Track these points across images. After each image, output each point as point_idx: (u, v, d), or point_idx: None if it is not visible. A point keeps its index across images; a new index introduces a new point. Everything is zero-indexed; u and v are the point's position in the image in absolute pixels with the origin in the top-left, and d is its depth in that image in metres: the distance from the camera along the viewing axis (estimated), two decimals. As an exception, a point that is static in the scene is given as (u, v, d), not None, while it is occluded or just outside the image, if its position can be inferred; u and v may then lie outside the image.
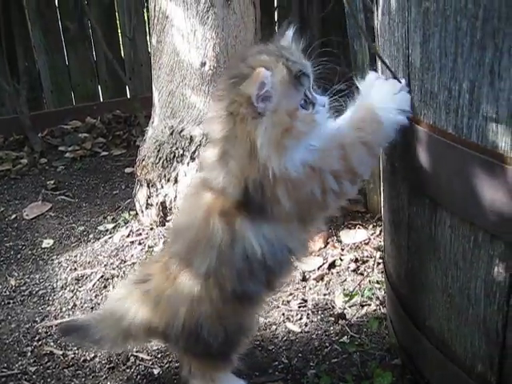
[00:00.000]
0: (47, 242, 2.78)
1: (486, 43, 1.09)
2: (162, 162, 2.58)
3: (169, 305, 1.56)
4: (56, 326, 2.17)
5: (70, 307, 2.28)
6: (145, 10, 4.33)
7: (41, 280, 2.48)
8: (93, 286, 2.40)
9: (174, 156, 2.55)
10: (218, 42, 2.44)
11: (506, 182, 1.11)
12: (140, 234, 2.71)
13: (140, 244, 2.63)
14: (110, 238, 2.75)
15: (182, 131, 2.55)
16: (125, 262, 2.53)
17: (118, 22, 4.34)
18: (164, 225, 2.67)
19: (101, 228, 2.86)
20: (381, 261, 2.24)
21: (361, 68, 2.64)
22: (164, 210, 2.63)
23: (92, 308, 2.27)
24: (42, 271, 2.55)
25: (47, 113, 4.26)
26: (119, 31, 4.37)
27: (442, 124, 1.25)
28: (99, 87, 4.43)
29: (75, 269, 2.55)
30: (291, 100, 1.34)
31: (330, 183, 1.37)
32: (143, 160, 2.65)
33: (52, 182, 3.42)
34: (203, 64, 2.46)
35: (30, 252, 2.71)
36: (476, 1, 1.08)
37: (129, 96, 4.33)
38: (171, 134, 2.56)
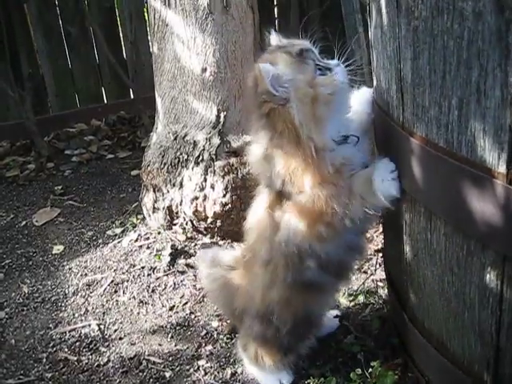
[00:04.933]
0: (57, 248, 2.85)
1: (471, 63, 1.13)
2: (167, 167, 2.63)
3: (246, 292, 1.74)
4: (69, 331, 2.25)
5: (82, 313, 2.35)
6: (145, 11, 4.37)
7: (53, 286, 2.55)
8: (104, 291, 2.47)
9: (179, 161, 2.60)
10: (217, 48, 2.49)
11: (494, 195, 1.15)
12: (148, 238, 2.76)
13: (148, 248, 2.69)
14: (118, 242, 2.81)
15: (185, 136, 2.60)
16: (134, 266, 2.59)
17: (119, 24, 4.38)
18: (171, 228, 2.73)
19: (109, 233, 2.92)
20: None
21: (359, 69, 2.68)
22: (171, 214, 2.69)
23: (104, 313, 2.33)
24: (53, 277, 2.62)
25: (52, 117, 4.31)
26: (120, 33, 4.41)
27: (433, 137, 1.30)
28: (103, 89, 4.48)
29: (86, 274, 2.61)
30: (305, 74, 1.46)
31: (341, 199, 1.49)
32: (148, 165, 2.71)
33: (60, 187, 3.48)
34: (204, 70, 2.51)
35: (41, 258, 2.78)
36: (461, 23, 1.12)
37: (132, 97, 4.39)
38: (175, 139, 2.62)
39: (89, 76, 4.40)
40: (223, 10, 2.47)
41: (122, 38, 4.41)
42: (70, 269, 2.67)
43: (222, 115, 2.55)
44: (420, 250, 1.50)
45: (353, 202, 1.48)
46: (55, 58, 4.26)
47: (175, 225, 2.70)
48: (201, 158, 2.55)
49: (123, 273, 2.57)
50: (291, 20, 4.30)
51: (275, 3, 4.60)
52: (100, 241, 2.87)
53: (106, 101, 4.49)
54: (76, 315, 2.35)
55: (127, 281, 2.51)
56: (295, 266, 1.58)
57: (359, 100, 1.67)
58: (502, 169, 1.14)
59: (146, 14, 4.34)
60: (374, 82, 1.67)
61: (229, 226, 2.59)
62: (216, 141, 2.54)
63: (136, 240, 2.77)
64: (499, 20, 1.04)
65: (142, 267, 2.57)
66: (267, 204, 1.61)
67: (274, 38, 1.60)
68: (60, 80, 4.31)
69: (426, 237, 1.45)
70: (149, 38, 4.36)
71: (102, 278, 2.56)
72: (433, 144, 1.31)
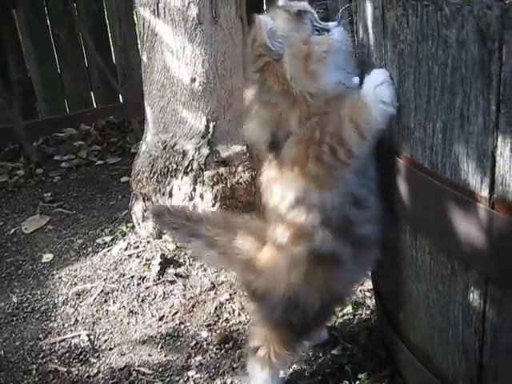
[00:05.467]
0: (47, 257, 2.85)
1: (455, 89, 1.15)
2: (157, 177, 2.64)
3: (272, 275, 1.67)
4: (59, 342, 2.26)
5: (72, 323, 2.36)
6: (134, 13, 4.37)
7: (42, 296, 2.56)
8: (93, 300, 2.48)
9: (168, 170, 2.61)
10: (207, 59, 2.50)
11: (477, 218, 1.18)
12: (137, 247, 2.77)
13: (138, 257, 2.70)
14: (108, 251, 2.81)
15: (174, 146, 2.61)
16: (124, 275, 2.60)
17: (108, 27, 4.38)
18: (160, 237, 2.74)
19: (99, 241, 2.92)
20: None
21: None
22: (160, 223, 2.69)
23: (94, 323, 2.34)
24: (43, 287, 2.62)
25: (41, 121, 4.30)
26: (110, 36, 4.40)
27: (418, 158, 1.32)
28: (92, 93, 4.47)
29: (75, 283, 2.62)
30: (300, 32, 1.49)
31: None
32: (138, 174, 2.72)
33: (49, 194, 3.48)
34: (193, 80, 2.52)
35: (30, 267, 2.78)
36: (445, 50, 1.14)
37: (122, 101, 4.39)
38: (164, 148, 2.63)
39: (78, 80, 4.39)
40: (212, 21, 2.48)
41: (111, 42, 4.40)
42: (59, 278, 2.67)
43: (211, 125, 2.57)
44: (405, 267, 1.52)
45: (345, 129, 1.41)
46: (44, 63, 4.24)
47: (165, 234, 2.71)
48: (190, 167, 2.57)
49: (113, 282, 2.58)
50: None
51: (265, 8, 4.61)
52: (90, 249, 2.87)
53: (95, 105, 4.48)
54: (66, 325, 2.35)
55: (117, 290, 2.52)
56: (304, 234, 1.54)
57: None
58: (484, 193, 1.16)
59: (135, 18, 4.33)
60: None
61: (218, 235, 2.60)
62: (205, 151, 2.56)
63: (126, 249, 2.78)
64: (482, 50, 1.06)
65: (132, 276, 2.58)
66: (269, 176, 1.60)
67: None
68: (48, 84, 4.29)
69: (412, 254, 1.47)
70: (138, 41, 4.36)
71: (92, 287, 2.57)
72: (418, 165, 1.32)
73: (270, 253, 1.69)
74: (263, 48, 1.46)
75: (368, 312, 2.17)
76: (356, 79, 1.54)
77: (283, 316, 1.69)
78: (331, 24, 1.54)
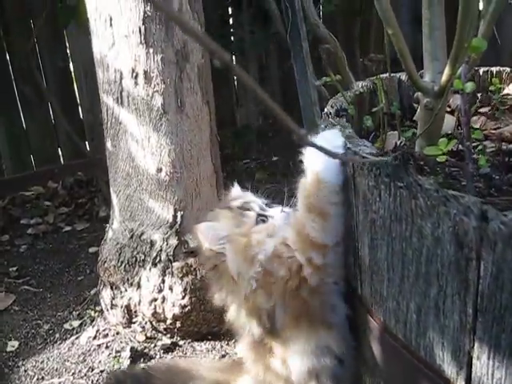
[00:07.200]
0: (12, 345, 2.74)
1: (430, 280, 1.10)
2: (124, 266, 2.56)
3: None
4: None
5: (38, 430, 2.27)
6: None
7: (7, 394, 2.46)
8: (61, 400, 2.40)
9: (136, 260, 2.53)
10: (173, 148, 2.43)
11: (454, 407, 1.14)
12: (107, 335, 2.69)
13: (107, 348, 2.61)
14: (76, 338, 2.72)
15: (142, 235, 2.53)
16: (92, 369, 2.51)
17: (74, 82, 4.29)
18: (130, 327, 2.65)
19: (67, 326, 2.82)
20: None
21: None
22: (129, 313, 2.61)
23: (61, 430, 2.26)
24: (7, 381, 2.52)
25: (7, 180, 4.19)
26: (76, 91, 4.32)
27: (391, 327, 1.27)
28: (59, 149, 4.38)
29: (42, 377, 2.52)
30: (242, 226, 1.51)
31: None
32: (105, 262, 2.64)
33: (15, 268, 3.36)
34: (159, 170, 2.45)
35: (-6, 358, 2.68)
36: (420, 239, 1.09)
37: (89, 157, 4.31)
38: (131, 237, 2.55)
39: (44, 136, 4.30)
40: (178, 110, 2.41)
41: (78, 97, 4.31)
42: (25, 371, 2.57)
43: (178, 215, 2.50)
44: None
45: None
46: (8, 119, 4.14)
47: (134, 323, 2.63)
48: (158, 258, 2.49)
49: (81, 377, 2.48)
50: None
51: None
52: (57, 336, 2.77)
53: (62, 161, 4.38)
54: (31, 433, 2.27)
55: (85, 387, 2.44)
56: None
57: None
58: (461, 384, 1.12)
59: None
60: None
61: (189, 326, 2.54)
62: (173, 241, 2.49)
63: (94, 337, 2.69)
64: (459, 253, 1.01)
65: (101, 371, 2.49)
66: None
67: (235, 191, 1.67)
68: (14, 141, 4.19)
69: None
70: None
71: (60, 382, 2.48)
72: (391, 333, 1.28)
73: None
74: (209, 253, 1.51)
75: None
76: None
77: None
78: (273, 210, 1.57)
